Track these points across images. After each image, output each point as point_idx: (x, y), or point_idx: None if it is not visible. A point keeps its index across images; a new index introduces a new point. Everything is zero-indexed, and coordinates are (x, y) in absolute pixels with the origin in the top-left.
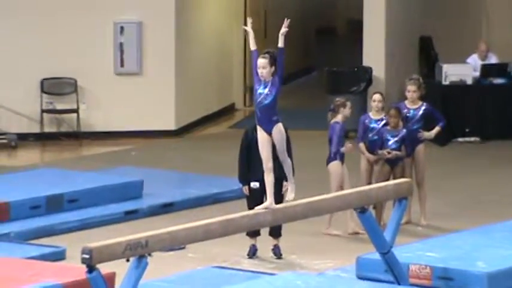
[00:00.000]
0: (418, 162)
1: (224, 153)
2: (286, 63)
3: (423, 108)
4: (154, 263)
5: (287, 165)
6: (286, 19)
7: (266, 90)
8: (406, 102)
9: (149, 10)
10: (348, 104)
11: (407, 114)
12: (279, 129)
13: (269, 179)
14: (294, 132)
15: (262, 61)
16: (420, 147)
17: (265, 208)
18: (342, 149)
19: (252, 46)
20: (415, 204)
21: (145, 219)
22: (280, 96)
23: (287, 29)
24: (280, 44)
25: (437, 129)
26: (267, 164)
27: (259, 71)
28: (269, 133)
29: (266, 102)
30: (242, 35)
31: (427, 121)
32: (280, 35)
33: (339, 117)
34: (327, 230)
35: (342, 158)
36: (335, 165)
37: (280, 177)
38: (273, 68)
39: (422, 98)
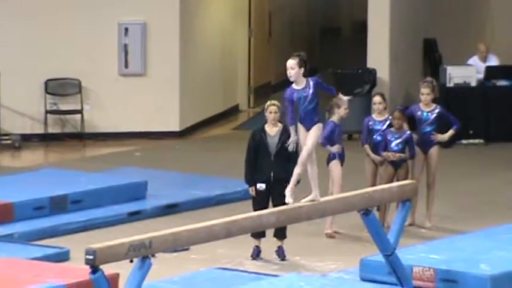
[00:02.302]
0: (430, 165)
1: (228, 154)
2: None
3: (437, 111)
4: (157, 264)
5: (313, 171)
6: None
7: (310, 91)
8: (421, 104)
9: (154, 11)
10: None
11: (421, 117)
12: (318, 127)
13: (312, 171)
14: None
15: (291, 62)
16: (434, 150)
17: (312, 200)
18: (329, 148)
19: None
20: (420, 206)
21: (149, 220)
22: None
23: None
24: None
25: (451, 132)
26: (311, 155)
27: (288, 72)
28: (309, 130)
29: (310, 107)
30: (246, 36)
31: (441, 124)
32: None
33: (334, 117)
34: (328, 230)
35: (341, 158)
36: (335, 164)
37: (284, 179)
38: (302, 69)
39: (435, 101)
